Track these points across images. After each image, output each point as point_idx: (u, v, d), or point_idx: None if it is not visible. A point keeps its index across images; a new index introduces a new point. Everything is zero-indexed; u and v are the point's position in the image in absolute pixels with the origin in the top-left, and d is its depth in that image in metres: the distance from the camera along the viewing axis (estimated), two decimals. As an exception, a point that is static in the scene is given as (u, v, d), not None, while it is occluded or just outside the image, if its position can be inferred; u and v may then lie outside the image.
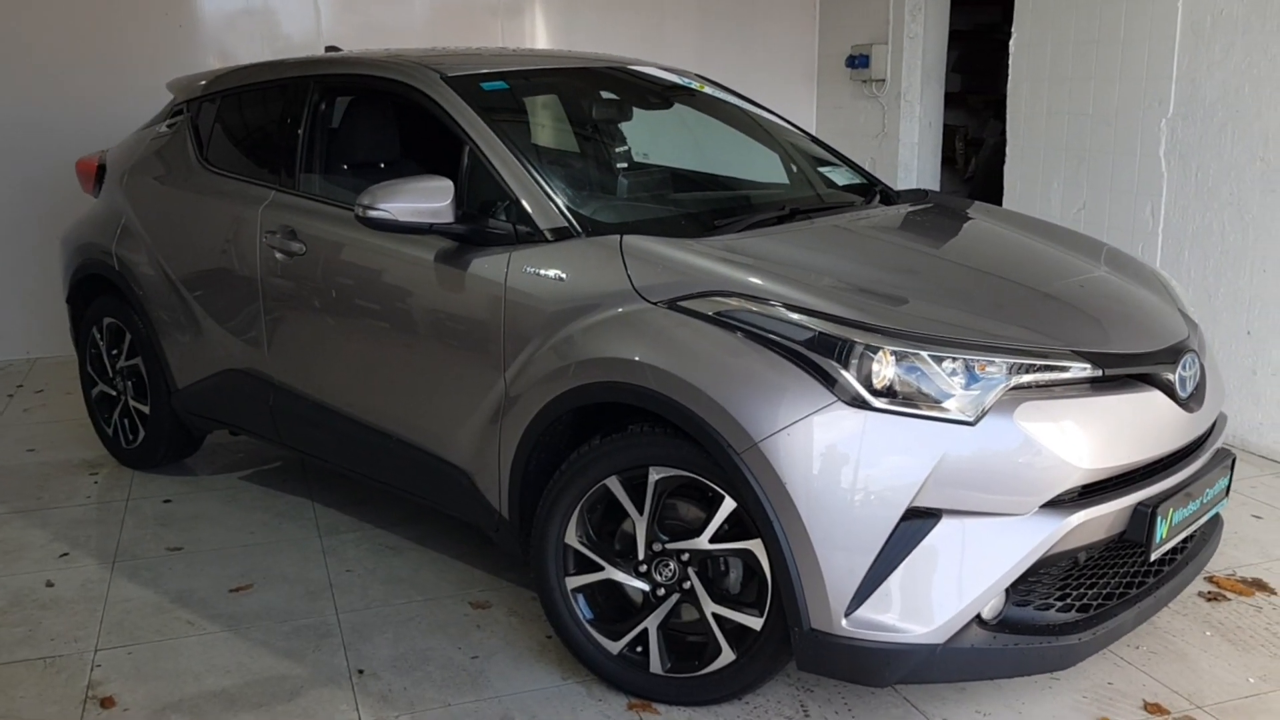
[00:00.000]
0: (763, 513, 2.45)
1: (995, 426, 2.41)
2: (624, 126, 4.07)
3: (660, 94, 4.07)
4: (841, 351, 2.43)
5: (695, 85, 4.06)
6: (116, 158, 4.49)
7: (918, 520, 2.39)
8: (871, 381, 2.41)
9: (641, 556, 2.73)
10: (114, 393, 4.46)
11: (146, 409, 4.30)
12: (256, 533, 3.89)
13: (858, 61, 6.95)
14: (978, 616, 2.46)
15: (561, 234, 2.96)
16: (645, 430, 2.69)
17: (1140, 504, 2.56)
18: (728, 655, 2.67)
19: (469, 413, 3.06)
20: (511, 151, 3.14)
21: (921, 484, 2.37)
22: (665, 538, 2.69)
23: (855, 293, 2.65)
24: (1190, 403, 2.74)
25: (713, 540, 2.62)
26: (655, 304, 2.67)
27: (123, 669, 3.01)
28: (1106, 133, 5.10)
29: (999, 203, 5.62)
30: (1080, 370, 2.55)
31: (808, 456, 2.40)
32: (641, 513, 2.70)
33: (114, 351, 4.41)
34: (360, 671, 2.98)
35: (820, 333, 2.46)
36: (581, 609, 2.86)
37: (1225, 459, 2.91)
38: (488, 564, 3.57)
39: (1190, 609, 3.27)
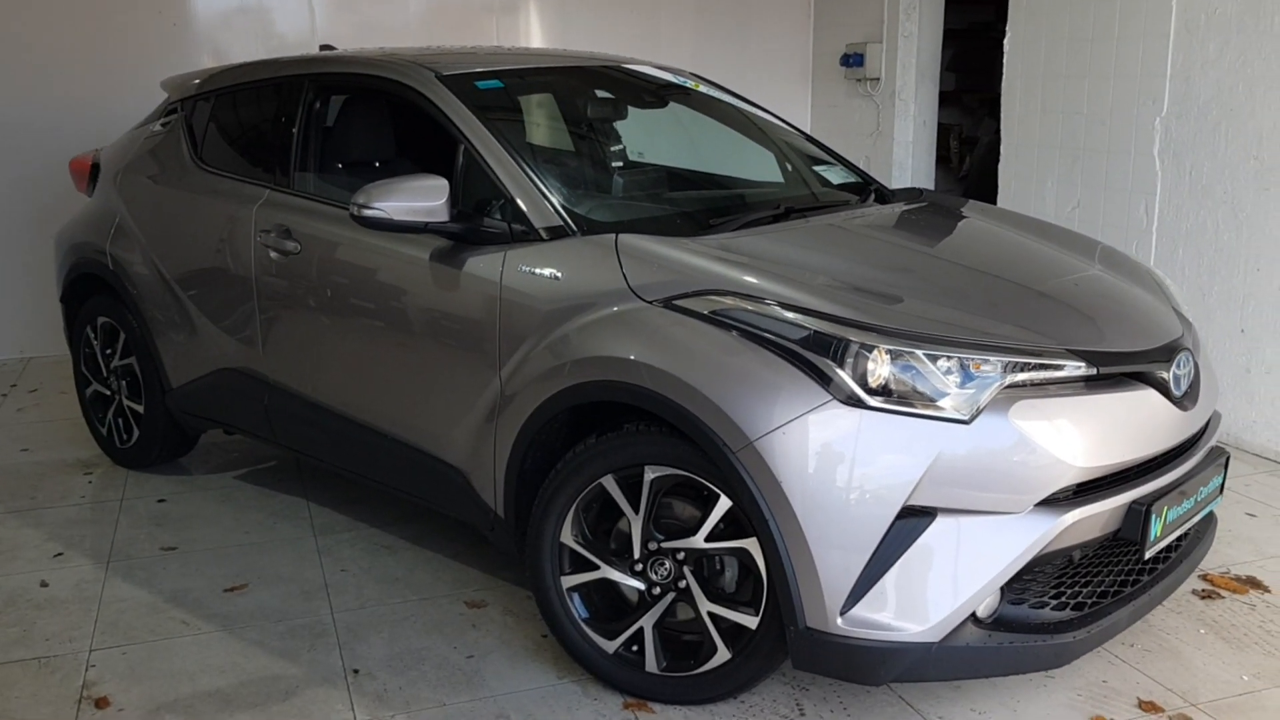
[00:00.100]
0: (758, 511, 2.45)
1: (990, 425, 2.41)
2: (619, 125, 4.06)
3: (655, 93, 4.07)
4: (837, 350, 2.43)
5: (690, 84, 4.06)
6: (110, 157, 4.48)
7: (913, 519, 2.39)
8: (867, 380, 2.41)
9: (637, 555, 2.73)
10: (108, 392, 4.45)
11: (141, 408, 4.29)
12: (251, 532, 3.88)
13: (852, 60, 6.95)
14: (973, 615, 2.46)
15: (557, 233, 2.96)
16: (641, 429, 2.69)
17: (1134, 502, 2.57)
18: (723, 654, 2.67)
19: (464, 412, 3.06)
20: (506, 150, 3.13)
21: (916, 482, 2.37)
22: (661, 537, 2.69)
23: (850, 291, 2.66)
24: (1184, 401, 2.75)
25: (708, 539, 2.62)
26: (650, 303, 2.67)
27: (117, 669, 3.01)
28: (1101, 131, 5.11)
29: (994, 201, 5.62)
30: (1075, 369, 2.55)
31: (803, 455, 2.40)
32: (637, 512, 2.70)
33: (108, 351, 4.39)
34: (355, 671, 2.98)
35: (815, 331, 2.46)
36: (577, 608, 2.86)
37: (1219, 457, 2.92)
38: (483, 563, 3.57)
39: (1185, 607, 3.28)
